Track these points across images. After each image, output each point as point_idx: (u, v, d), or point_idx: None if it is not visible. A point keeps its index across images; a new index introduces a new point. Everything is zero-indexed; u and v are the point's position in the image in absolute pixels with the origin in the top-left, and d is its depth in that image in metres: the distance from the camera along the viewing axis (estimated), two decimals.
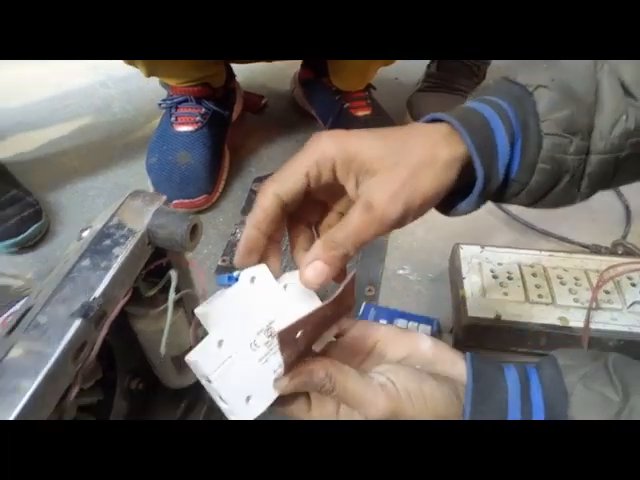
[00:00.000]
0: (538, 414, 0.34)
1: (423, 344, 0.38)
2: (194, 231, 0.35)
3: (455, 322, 0.63)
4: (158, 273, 0.39)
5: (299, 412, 0.35)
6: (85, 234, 0.37)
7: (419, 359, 0.37)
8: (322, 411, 0.35)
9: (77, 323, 0.30)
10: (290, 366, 0.32)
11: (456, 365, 0.37)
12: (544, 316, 0.59)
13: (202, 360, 0.31)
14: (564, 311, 0.60)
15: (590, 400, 0.33)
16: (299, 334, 0.32)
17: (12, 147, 0.90)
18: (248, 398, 0.33)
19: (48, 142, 0.92)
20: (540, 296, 0.61)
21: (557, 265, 0.65)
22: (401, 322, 0.63)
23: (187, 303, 0.42)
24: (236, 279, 0.34)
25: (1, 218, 0.72)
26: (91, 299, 0.31)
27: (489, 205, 0.81)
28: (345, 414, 0.35)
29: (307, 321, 0.31)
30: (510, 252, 0.67)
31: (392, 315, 0.64)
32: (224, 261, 0.71)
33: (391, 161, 0.35)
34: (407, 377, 0.34)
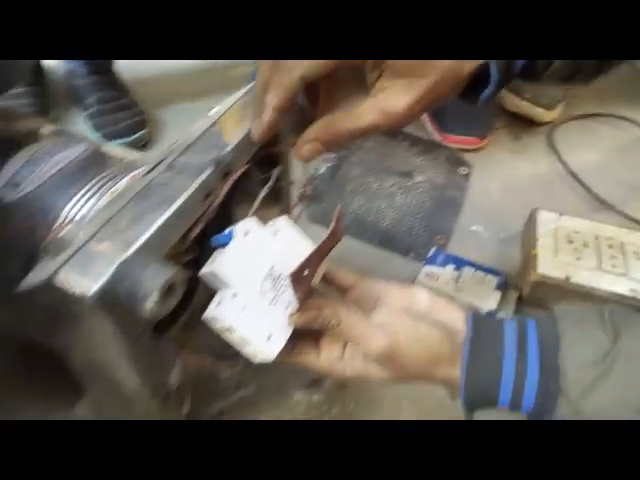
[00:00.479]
0: (532, 362, 0.35)
1: (422, 296, 0.40)
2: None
3: (523, 278, 0.64)
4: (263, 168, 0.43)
5: (309, 359, 0.38)
6: (212, 112, 0.41)
7: (418, 308, 0.40)
8: (329, 356, 0.38)
9: (209, 170, 0.34)
10: (301, 303, 0.35)
11: (452, 313, 0.39)
12: (615, 285, 0.59)
13: (221, 314, 0.34)
14: (636, 284, 0.59)
15: (580, 342, 0.34)
16: (306, 272, 0.35)
17: (129, 61, 0.96)
18: (269, 337, 0.36)
19: (162, 62, 0.97)
20: (614, 266, 0.61)
21: (635, 242, 0.64)
22: (468, 270, 0.65)
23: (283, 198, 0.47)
24: (230, 237, 0.36)
25: (112, 121, 0.79)
26: (222, 153, 0.35)
27: (570, 181, 0.81)
28: (350, 356, 0.38)
29: (311, 259, 0.35)
30: (589, 223, 0.67)
31: (460, 262, 0.66)
32: (305, 191, 0.75)
33: (422, 70, 0.35)
34: (404, 319, 0.37)
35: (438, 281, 0.63)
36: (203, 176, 0.34)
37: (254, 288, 0.36)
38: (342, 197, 0.74)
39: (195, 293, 0.56)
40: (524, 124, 0.87)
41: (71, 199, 0.42)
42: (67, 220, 0.41)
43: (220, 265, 0.34)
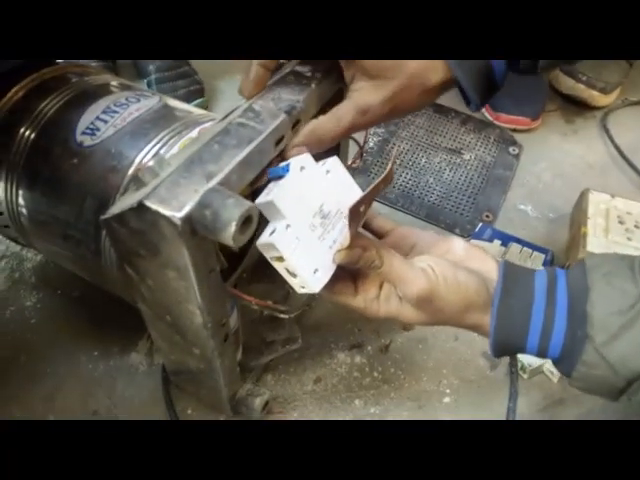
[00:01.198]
0: (561, 310, 0.36)
1: (457, 244, 0.41)
2: None
3: (570, 257, 0.63)
4: None
5: (347, 296, 0.40)
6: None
7: (454, 256, 0.40)
8: (366, 295, 0.40)
9: (283, 116, 0.36)
10: (352, 238, 0.36)
11: (486, 262, 0.40)
12: None
13: (274, 242, 0.35)
14: None
15: (608, 293, 0.34)
16: (362, 208, 0.36)
17: None
18: (315, 270, 0.37)
19: None
20: None
21: None
22: (515, 246, 0.65)
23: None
24: (286, 169, 0.37)
25: (171, 88, 0.82)
26: (294, 103, 0.37)
27: (622, 165, 0.80)
28: (385, 297, 0.39)
29: (366, 196, 0.36)
30: None
31: (507, 238, 0.66)
32: (354, 162, 0.76)
33: (389, 73, 0.38)
34: (444, 265, 0.38)
35: None
36: (277, 121, 0.36)
37: (305, 221, 0.37)
38: None
39: (248, 251, 0.58)
40: (578, 107, 0.86)
41: (145, 147, 0.44)
42: (140, 166, 0.44)
43: (277, 195, 0.35)
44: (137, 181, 0.33)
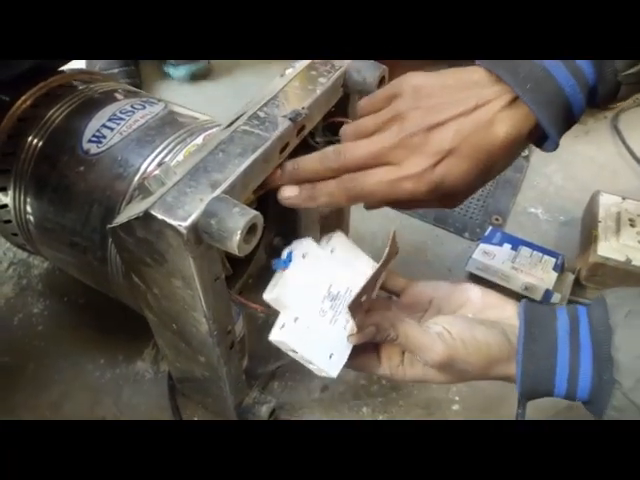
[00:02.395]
0: (585, 354, 0.35)
1: (473, 294, 0.41)
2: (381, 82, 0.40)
3: (581, 260, 0.63)
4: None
5: (372, 367, 0.40)
6: (288, 71, 0.43)
7: (471, 308, 0.40)
8: (389, 363, 0.40)
9: (287, 123, 0.36)
10: (359, 328, 0.36)
11: (505, 308, 0.39)
12: None
13: (286, 337, 0.36)
14: None
15: (632, 335, 0.34)
16: (363, 298, 0.36)
17: None
18: (331, 355, 0.37)
19: None
20: None
21: None
22: (525, 250, 0.64)
23: None
24: (290, 259, 0.37)
25: None
26: (299, 110, 0.36)
27: (634, 166, 0.79)
28: (409, 362, 0.40)
29: (367, 287, 0.36)
30: None
31: (517, 242, 0.65)
32: None
33: None
34: (461, 325, 0.37)
35: (494, 259, 0.63)
36: (281, 128, 0.35)
37: (314, 308, 0.37)
38: None
39: (253, 259, 0.58)
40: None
41: (150, 154, 0.44)
42: (146, 174, 0.44)
43: (282, 291, 0.36)
44: (143, 190, 0.33)
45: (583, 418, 0.53)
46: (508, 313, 0.39)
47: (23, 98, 0.50)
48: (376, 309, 0.38)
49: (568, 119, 0.37)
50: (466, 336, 0.37)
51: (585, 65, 0.35)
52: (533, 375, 0.37)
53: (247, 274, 0.58)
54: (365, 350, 0.40)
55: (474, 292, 0.41)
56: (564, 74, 0.35)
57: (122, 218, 0.33)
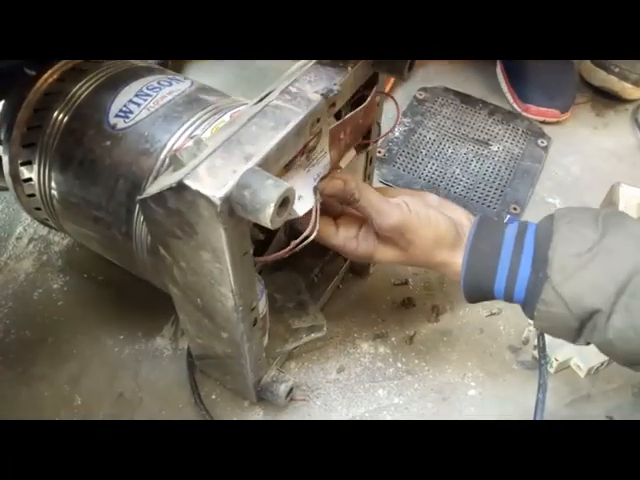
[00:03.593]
0: (527, 255, 0.39)
1: (432, 197, 0.45)
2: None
3: None
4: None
5: (329, 235, 0.44)
6: None
7: (428, 204, 0.44)
8: (346, 234, 0.44)
9: (319, 98, 0.36)
10: (333, 166, 0.40)
11: (457, 212, 0.44)
12: None
13: None
14: None
15: (568, 237, 0.37)
16: (342, 135, 0.38)
17: None
18: (299, 197, 0.38)
19: None
20: None
21: None
22: None
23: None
24: None
25: None
26: (331, 86, 0.36)
27: None
28: (363, 236, 0.44)
29: (348, 122, 0.39)
30: None
31: None
32: (379, 152, 0.76)
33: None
34: (418, 202, 0.42)
35: None
36: (314, 103, 0.35)
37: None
38: (416, 161, 0.74)
39: (273, 240, 0.58)
40: (609, 100, 0.84)
41: (177, 130, 0.44)
42: (173, 150, 0.44)
43: None
44: (175, 161, 0.33)
45: (601, 406, 0.53)
46: (459, 215, 0.44)
47: (49, 72, 0.50)
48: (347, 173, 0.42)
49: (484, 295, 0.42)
50: (421, 211, 0.41)
51: (518, 289, 0.40)
52: (476, 270, 0.40)
53: (266, 255, 0.59)
54: (326, 219, 0.44)
55: (432, 196, 0.45)
56: (501, 286, 0.40)
57: (154, 189, 0.33)
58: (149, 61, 0.55)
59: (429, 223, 0.41)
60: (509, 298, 0.40)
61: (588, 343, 0.38)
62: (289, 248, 0.39)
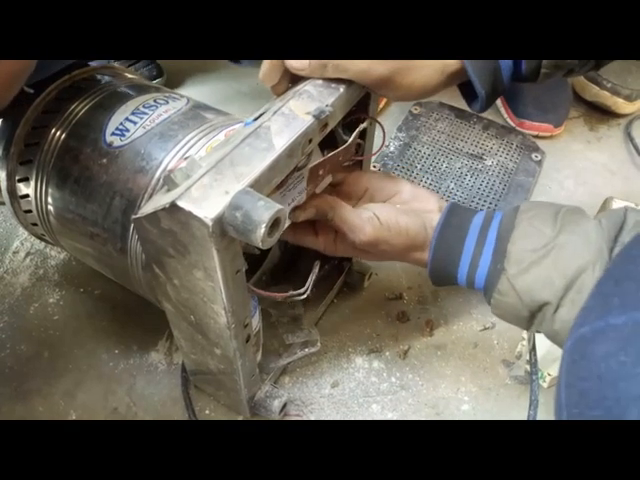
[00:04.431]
0: (489, 247, 0.41)
1: (405, 187, 0.47)
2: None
3: None
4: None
5: (310, 241, 0.47)
6: None
7: (399, 199, 0.47)
8: (325, 238, 0.47)
9: (311, 120, 0.36)
10: (307, 198, 0.41)
11: (430, 201, 0.46)
12: None
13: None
14: None
15: (527, 233, 0.39)
16: (321, 172, 0.40)
17: None
18: None
19: None
20: None
21: None
22: None
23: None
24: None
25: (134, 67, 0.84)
26: (323, 107, 0.37)
27: None
28: (340, 239, 0.46)
29: (327, 161, 0.41)
30: None
31: None
32: (374, 167, 0.76)
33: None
34: (388, 213, 0.44)
35: None
36: (307, 124, 0.36)
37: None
38: (411, 175, 0.75)
39: (267, 255, 0.58)
40: (602, 114, 0.85)
41: (173, 148, 0.45)
42: (168, 168, 0.44)
43: None
44: (168, 181, 0.33)
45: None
46: (431, 206, 0.46)
47: (48, 90, 0.51)
48: (319, 195, 0.44)
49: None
50: (391, 222, 0.43)
51: (478, 278, 0.42)
52: (442, 257, 0.43)
53: (261, 271, 0.59)
54: (304, 226, 0.46)
55: (405, 186, 0.47)
56: (463, 273, 0.43)
57: (147, 209, 0.33)
58: (148, 81, 0.56)
59: (399, 233, 0.43)
60: (471, 285, 0.43)
61: (538, 331, 0.41)
62: (285, 295, 0.43)
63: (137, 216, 0.34)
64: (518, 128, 0.81)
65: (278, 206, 0.30)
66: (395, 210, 0.45)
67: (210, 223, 0.30)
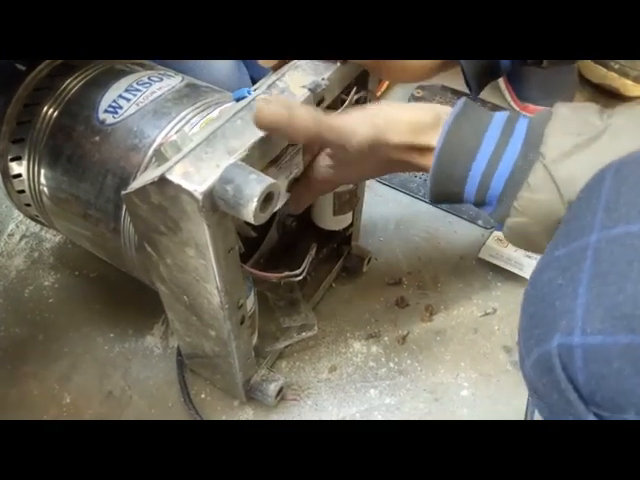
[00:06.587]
0: (517, 137, 0.32)
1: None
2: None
3: None
4: None
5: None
6: None
7: None
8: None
9: (307, 93, 0.35)
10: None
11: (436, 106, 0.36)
12: None
13: None
14: None
15: (571, 118, 0.31)
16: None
17: None
18: None
19: None
20: None
21: None
22: None
23: None
24: (250, 93, 0.36)
25: None
26: (319, 81, 0.36)
27: None
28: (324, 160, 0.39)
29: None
30: None
31: None
32: None
33: None
34: (390, 105, 0.36)
35: (508, 247, 0.62)
36: (302, 98, 0.35)
37: None
38: None
39: (265, 238, 0.57)
40: (609, 97, 0.83)
41: (166, 126, 0.44)
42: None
43: None
44: (159, 156, 0.32)
45: None
46: (443, 109, 0.35)
47: (39, 68, 0.49)
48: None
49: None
50: (392, 104, 0.36)
51: (497, 177, 0.33)
52: (453, 149, 0.33)
53: (259, 253, 0.58)
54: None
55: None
56: (478, 172, 0.33)
57: (137, 184, 0.32)
58: None
59: (404, 106, 0.36)
60: (483, 190, 0.33)
61: None
62: (280, 276, 0.41)
63: (127, 192, 0.33)
64: (522, 112, 0.80)
65: (270, 180, 0.29)
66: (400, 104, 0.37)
67: (200, 197, 0.29)
